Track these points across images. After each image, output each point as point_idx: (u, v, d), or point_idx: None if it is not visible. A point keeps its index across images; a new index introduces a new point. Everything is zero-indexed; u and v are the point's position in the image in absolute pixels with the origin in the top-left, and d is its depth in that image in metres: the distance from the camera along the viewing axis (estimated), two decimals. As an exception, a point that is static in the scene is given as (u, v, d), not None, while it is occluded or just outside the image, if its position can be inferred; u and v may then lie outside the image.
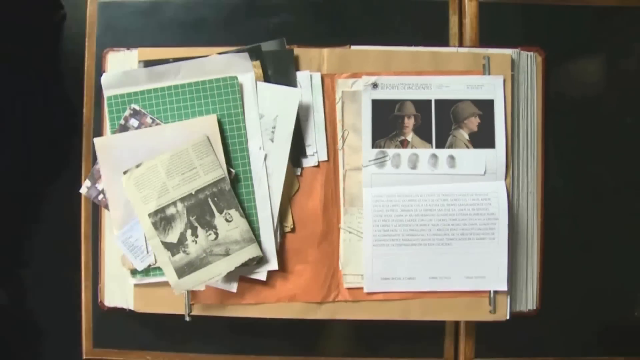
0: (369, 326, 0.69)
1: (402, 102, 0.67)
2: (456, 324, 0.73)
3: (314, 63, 0.68)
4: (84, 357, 0.72)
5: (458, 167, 0.67)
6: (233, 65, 0.66)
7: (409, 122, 0.67)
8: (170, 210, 0.64)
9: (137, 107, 0.67)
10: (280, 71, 0.68)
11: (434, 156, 0.67)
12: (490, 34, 0.72)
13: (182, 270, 0.64)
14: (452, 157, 0.67)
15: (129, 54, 0.69)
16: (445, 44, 0.72)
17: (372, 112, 0.68)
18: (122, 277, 0.68)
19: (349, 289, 0.67)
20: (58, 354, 0.78)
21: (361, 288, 0.67)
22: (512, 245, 0.68)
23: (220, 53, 0.67)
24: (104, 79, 0.67)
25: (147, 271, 0.67)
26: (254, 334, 0.72)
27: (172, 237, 0.64)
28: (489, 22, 0.72)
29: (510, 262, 0.67)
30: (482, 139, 0.67)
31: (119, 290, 0.69)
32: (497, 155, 0.67)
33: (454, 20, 0.72)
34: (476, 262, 0.66)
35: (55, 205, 0.77)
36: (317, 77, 0.68)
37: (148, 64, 0.67)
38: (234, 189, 0.66)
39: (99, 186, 0.68)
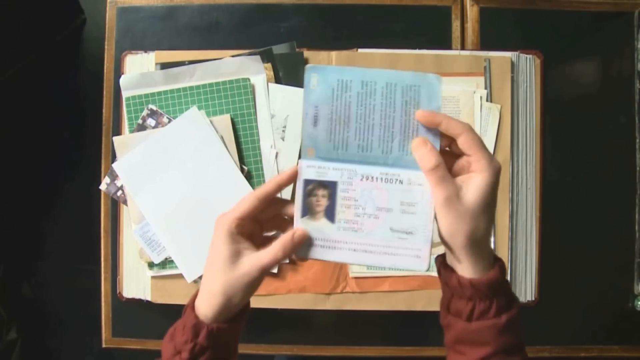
0: (373, 315, 0.70)
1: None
2: (458, 314, 0.74)
3: (323, 65, 0.70)
4: (104, 345, 0.74)
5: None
6: (246, 68, 0.68)
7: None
8: (186, 206, 0.66)
9: (154, 107, 0.69)
10: (290, 73, 0.69)
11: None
12: (491, 37, 0.73)
13: (197, 263, 0.66)
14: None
15: (146, 57, 0.71)
16: (448, 47, 0.73)
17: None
18: (139, 269, 0.70)
19: (355, 278, 0.69)
20: (79, 343, 0.79)
21: (367, 278, 0.69)
22: (512, 238, 0.70)
23: (233, 56, 0.69)
24: (122, 81, 0.68)
25: (163, 264, 0.69)
26: (266, 324, 0.73)
27: (188, 231, 0.66)
28: (489, 27, 0.73)
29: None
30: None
31: (136, 282, 0.71)
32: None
33: (456, 24, 0.73)
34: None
35: (75, 201, 0.78)
36: (325, 78, 0.70)
37: (164, 66, 0.69)
38: (246, 185, 0.67)
39: (118, 183, 0.70)
